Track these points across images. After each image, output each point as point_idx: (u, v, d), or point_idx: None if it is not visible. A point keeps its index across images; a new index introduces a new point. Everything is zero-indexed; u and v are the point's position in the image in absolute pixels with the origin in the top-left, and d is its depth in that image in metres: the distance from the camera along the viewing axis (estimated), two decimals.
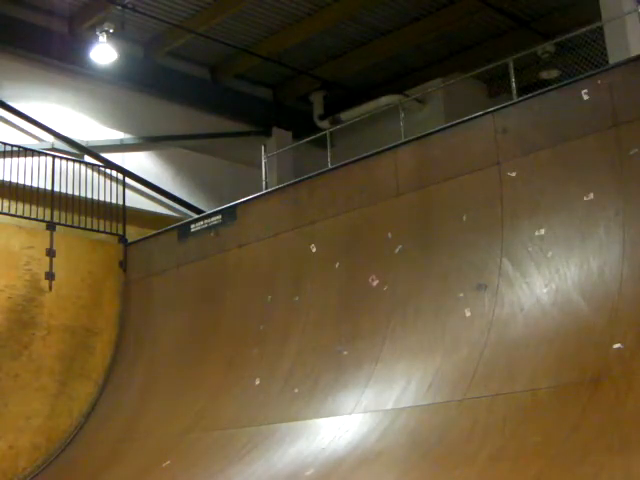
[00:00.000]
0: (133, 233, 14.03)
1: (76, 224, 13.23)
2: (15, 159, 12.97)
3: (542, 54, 14.26)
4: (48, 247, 12.66)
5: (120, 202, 14.05)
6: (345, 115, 16.38)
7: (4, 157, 12.96)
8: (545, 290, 8.22)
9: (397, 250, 9.86)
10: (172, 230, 13.26)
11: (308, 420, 9.23)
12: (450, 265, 9.24)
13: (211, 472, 9.27)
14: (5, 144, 13.00)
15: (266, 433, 9.41)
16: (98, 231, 13.55)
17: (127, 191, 14.42)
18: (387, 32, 15.35)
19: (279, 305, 10.96)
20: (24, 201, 12.82)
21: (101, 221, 13.64)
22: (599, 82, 8.53)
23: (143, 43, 15.40)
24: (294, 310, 10.70)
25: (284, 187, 11.96)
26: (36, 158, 13.27)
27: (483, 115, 9.61)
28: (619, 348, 7.21)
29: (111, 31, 13.95)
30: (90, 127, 14.81)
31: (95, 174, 14.14)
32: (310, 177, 11.45)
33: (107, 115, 15.06)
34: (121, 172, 14.55)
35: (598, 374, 7.21)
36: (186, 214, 15.27)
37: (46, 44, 14.06)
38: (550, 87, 9.34)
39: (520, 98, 9.55)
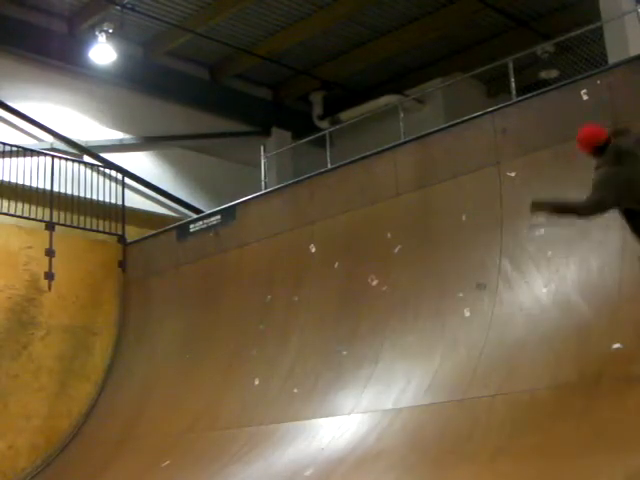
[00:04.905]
0: (132, 233, 14.03)
1: (75, 224, 13.23)
2: (14, 159, 12.97)
3: (542, 54, 14.24)
4: (47, 247, 12.65)
5: (119, 202, 14.05)
6: (345, 115, 16.38)
7: (3, 157, 12.94)
8: (545, 290, 8.21)
9: (397, 250, 9.86)
10: (171, 230, 13.26)
11: (308, 420, 9.23)
12: (450, 265, 9.23)
13: (211, 472, 9.27)
14: (4, 144, 12.99)
15: (266, 433, 9.40)
16: (97, 231, 13.55)
17: (126, 191, 14.43)
18: (387, 32, 15.35)
19: (279, 305, 10.95)
20: (23, 201, 12.80)
21: (100, 221, 13.64)
22: (599, 82, 8.53)
23: (142, 43, 15.40)
24: (294, 310, 10.69)
25: (283, 187, 11.96)
26: (35, 158, 13.27)
27: (483, 115, 9.61)
28: (619, 348, 7.21)
29: (110, 31, 13.95)
30: (89, 127, 14.80)
31: (94, 174, 14.13)
32: (310, 177, 11.44)
33: (106, 115, 15.05)
34: (120, 172, 14.55)
35: (598, 374, 7.20)
36: (185, 214, 15.26)
37: (46, 44, 14.05)
38: (550, 87, 9.33)
39: (520, 98, 9.55)
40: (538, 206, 6.63)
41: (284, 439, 9.15)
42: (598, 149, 6.62)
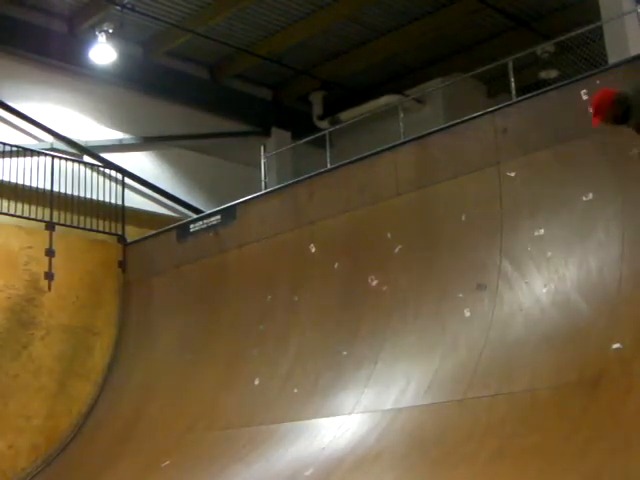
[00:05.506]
0: (132, 233, 14.03)
1: (75, 224, 13.22)
2: (14, 159, 12.97)
3: (542, 54, 14.25)
4: (47, 247, 12.64)
5: (119, 202, 14.05)
6: (345, 115, 16.39)
7: (3, 157, 12.95)
8: (544, 290, 8.21)
9: (397, 250, 9.86)
10: (171, 230, 13.25)
11: (308, 420, 9.23)
12: (450, 265, 9.23)
13: (211, 472, 9.27)
14: (4, 144, 12.99)
15: (266, 433, 9.40)
16: (97, 231, 13.54)
17: (126, 191, 14.42)
18: (387, 32, 15.36)
19: (279, 305, 10.95)
20: (23, 201, 12.80)
21: (100, 221, 13.63)
22: (598, 82, 8.51)
23: (142, 43, 15.40)
24: (294, 310, 10.70)
25: (283, 187, 11.96)
26: (35, 158, 13.27)
27: (483, 115, 9.60)
28: (619, 348, 7.21)
29: (110, 31, 13.97)
30: (89, 127, 14.81)
31: (94, 174, 14.14)
32: (309, 177, 11.44)
33: (106, 115, 15.06)
34: (120, 172, 14.55)
35: (598, 374, 7.20)
36: (185, 214, 15.26)
37: (45, 44, 14.06)
38: (550, 87, 9.33)
39: (520, 98, 9.54)
40: None
41: (284, 439, 9.15)
42: (612, 108, 6.83)
